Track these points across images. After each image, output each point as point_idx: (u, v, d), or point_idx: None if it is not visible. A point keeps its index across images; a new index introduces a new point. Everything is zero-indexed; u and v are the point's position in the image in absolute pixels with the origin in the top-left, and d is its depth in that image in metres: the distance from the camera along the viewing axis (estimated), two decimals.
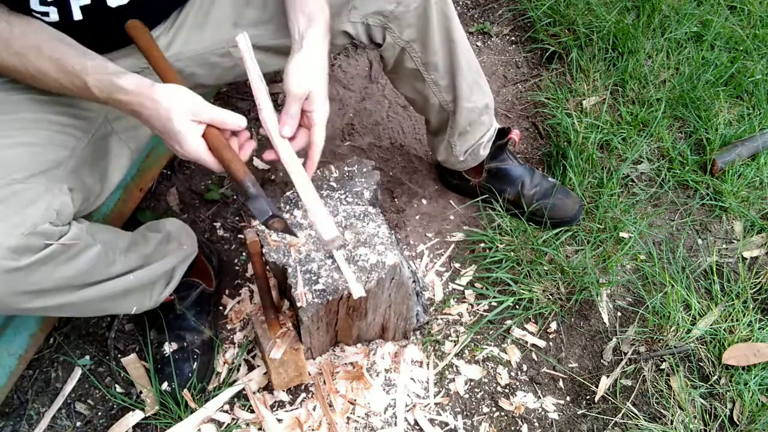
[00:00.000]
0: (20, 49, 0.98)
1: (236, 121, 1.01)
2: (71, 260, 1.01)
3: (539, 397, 1.44)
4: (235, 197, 1.75)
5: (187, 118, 0.96)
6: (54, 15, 1.01)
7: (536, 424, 1.40)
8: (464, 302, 1.58)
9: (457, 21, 1.35)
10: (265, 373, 1.40)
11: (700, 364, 1.47)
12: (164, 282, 1.31)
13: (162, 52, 1.09)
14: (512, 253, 1.61)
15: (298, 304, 1.16)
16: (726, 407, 1.40)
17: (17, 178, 0.96)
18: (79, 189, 1.07)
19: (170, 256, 1.30)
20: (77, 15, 1.03)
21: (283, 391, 1.40)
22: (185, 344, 1.40)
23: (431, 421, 1.39)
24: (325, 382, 1.39)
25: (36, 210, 0.94)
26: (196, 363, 1.39)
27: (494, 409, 1.42)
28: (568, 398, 1.44)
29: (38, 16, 1.00)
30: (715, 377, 1.44)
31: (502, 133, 1.65)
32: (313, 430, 1.34)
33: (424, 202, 1.77)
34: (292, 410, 1.38)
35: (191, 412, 1.35)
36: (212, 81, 1.34)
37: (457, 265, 1.65)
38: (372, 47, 1.37)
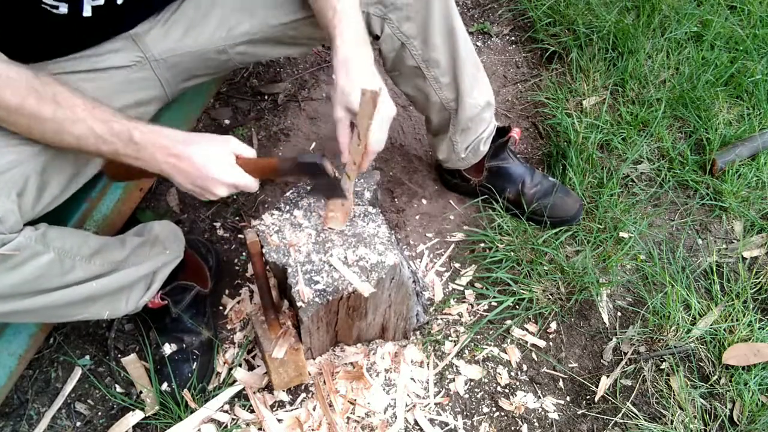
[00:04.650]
0: (49, 94, 0.96)
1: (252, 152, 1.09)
2: (15, 269, 0.99)
3: (539, 397, 1.44)
4: (234, 198, 1.75)
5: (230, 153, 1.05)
6: (63, 9, 1.01)
7: (536, 424, 1.40)
8: (464, 302, 1.58)
9: (458, 16, 1.34)
10: (265, 373, 1.40)
11: (700, 364, 1.47)
12: (144, 286, 1.28)
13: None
14: (512, 253, 1.61)
15: (298, 304, 1.16)
16: (726, 407, 1.40)
17: None
18: (41, 185, 1.04)
19: (149, 261, 1.27)
20: (87, 12, 1.04)
21: (283, 391, 1.40)
22: (184, 345, 1.40)
23: (431, 421, 1.39)
24: (325, 382, 1.39)
25: None
26: (195, 363, 1.39)
27: (494, 409, 1.42)
28: (568, 398, 1.44)
29: (47, 7, 0.99)
30: (715, 377, 1.44)
31: (503, 132, 1.65)
32: (313, 430, 1.34)
33: (424, 202, 1.77)
34: (292, 410, 1.38)
35: (191, 412, 1.35)
36: (208, 73, 1.35)
37: (457, 265, 1.65)
38: (371, 40, 1.36)
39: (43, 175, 1.04)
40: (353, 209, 1.25)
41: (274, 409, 1.39)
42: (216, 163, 1.03)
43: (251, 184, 1.08)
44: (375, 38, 1.34)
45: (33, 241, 1.01)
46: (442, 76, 1.42)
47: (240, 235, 1.69)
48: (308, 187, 1.25)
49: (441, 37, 1.33)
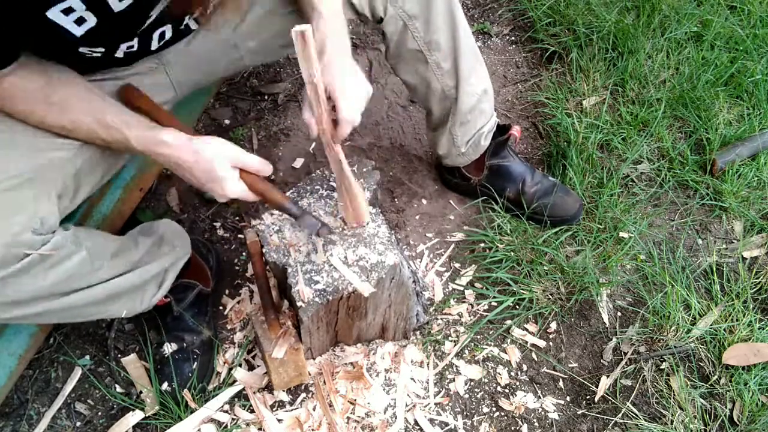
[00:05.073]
0: (57, 100, 1.00)
1: (265, 168, 1.11)
2: (52, 268, 1.00)
3: (539, 397, 1.44)
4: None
5: (228, 166, 1.05)
6: (98, 54, 1.03)
7: (536, 424, 1.40)
8: (464, 302, 1.58)
9: (459, 5, 1.37)
10: (265, 373, 1.40)
11: (700, 364, 1.47)
12: (156, 285, 1.30)
13: (166, 111, 1.16)
14: (512, 253, 1.61)
15: (298, 304, 1.16)
16: (726, 407, 1.40)
17: (4, 186, 0.94)
18: (75, 187, 1.07)
19: (161, 259, 1.29)
20: (120, 54, 1.07)
21: (283, 391, 1.40)
22: (185, 345, 1.40)
23: (431, 421, 1.39)
24: (325, 382, 1.39)
25: (20, 219, 0.93)
26: (195, 363, 1.39)
27: (494, 409, 1.42)
28: (568, 398, 1.44)
29: (85, 52, 1.02)
30: (715, 377, 1.44)
31: (503, 130, 1.65)
32: (313, 430, 1.34)
33: (424, 202, 1.77)
34: (292, 410, 1.38)
35: (191, 412, 1.35)
36: (218, 76, 1.37)
37: (457, 265, 1.65)
38: (374, 24, 1.38)
39: (77, 176, 1.07)
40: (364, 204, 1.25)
41: (274, 409, 1.39)
42: (216, 173, 1.05)
43: (252, 199, 1.11)
44: (378, 21, 1.36)
45: (68, 241, 1.03)
46: (444, 61, 1.42)
47: (240, 235, 1.69)
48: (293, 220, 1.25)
49: (442, 19, 1.35)
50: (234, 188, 1.07)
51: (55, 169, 1.02)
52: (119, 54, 1.07)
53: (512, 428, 1.39)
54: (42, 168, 1.00)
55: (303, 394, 1.41)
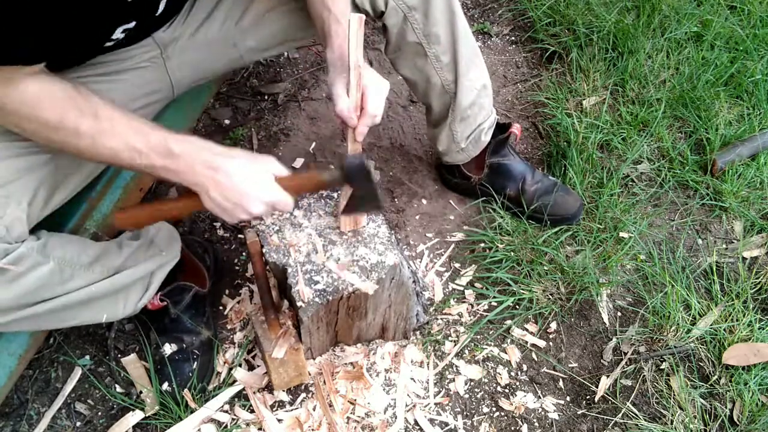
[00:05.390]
0: (89, 107, 0.94)
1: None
2: (15, 281, 0.98)
3: (539, 397, 1.44)
4: None
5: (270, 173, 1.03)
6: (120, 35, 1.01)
7: (536, 424, 1.40)
8: (464, 302, 1.58)
9: (457, 1, 1.37)
10: (265, 373, 1.40)
11: (700, 364, 1.47)
12: (141, 289, 1.27)
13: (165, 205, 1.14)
14: (512, 253, 1.61)
15: (298, 304, 1.16)
16: (726, 407, 1.40)
17: None
18: (50, 192, 1.04)
19: (145, 263, 1.25)
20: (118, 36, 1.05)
21: (283, 391, 1.40)
22: (184, 345, 1.40)
23: (431, 421, 1.39)
24: (325, 382, 1.39)
25: None
26: (195, 363, 1.39)
27: (494, 409, 1.42)
28: (568, 398, 1.44)
29: (111, 43, 1.00)
30: (715, 377, 1.44)
31: (503, 129, 1.65)
32: (313, 430, 1.34)
33: (424, 202, 1.77)
34: (292, 410, 1.38)
35: (191, 412, 1.35)
36: (217, 74, 1.37)
37: (457, 265, 1.65)
38: (374, 18, 1.38)
39: (53, 181, 1.04)
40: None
41: (274, 409, 1.39)
42: (255, 179, 1.00)
43: (289, 202, 1.04)
44: (380, 15, 1.36)
45: (34, 252, 1.01)
46: (443, 54, 1.42)
47: (240, 235, 1.69)
48: (346, 203, 1.16)
49: (441, 12, 1.36)
50: (275, 190, 1.02)
51: (28, 175, 0.99)
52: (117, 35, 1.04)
53: (512, 428, 1.39)
54: (13, 174, 0.97)
55: (303, 394, 1.41)
